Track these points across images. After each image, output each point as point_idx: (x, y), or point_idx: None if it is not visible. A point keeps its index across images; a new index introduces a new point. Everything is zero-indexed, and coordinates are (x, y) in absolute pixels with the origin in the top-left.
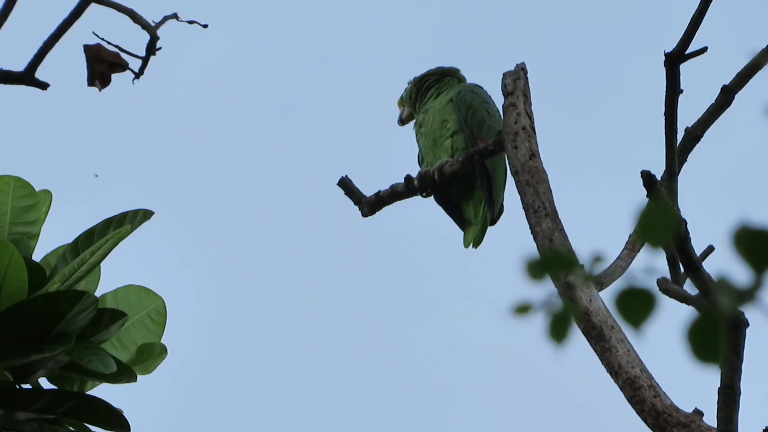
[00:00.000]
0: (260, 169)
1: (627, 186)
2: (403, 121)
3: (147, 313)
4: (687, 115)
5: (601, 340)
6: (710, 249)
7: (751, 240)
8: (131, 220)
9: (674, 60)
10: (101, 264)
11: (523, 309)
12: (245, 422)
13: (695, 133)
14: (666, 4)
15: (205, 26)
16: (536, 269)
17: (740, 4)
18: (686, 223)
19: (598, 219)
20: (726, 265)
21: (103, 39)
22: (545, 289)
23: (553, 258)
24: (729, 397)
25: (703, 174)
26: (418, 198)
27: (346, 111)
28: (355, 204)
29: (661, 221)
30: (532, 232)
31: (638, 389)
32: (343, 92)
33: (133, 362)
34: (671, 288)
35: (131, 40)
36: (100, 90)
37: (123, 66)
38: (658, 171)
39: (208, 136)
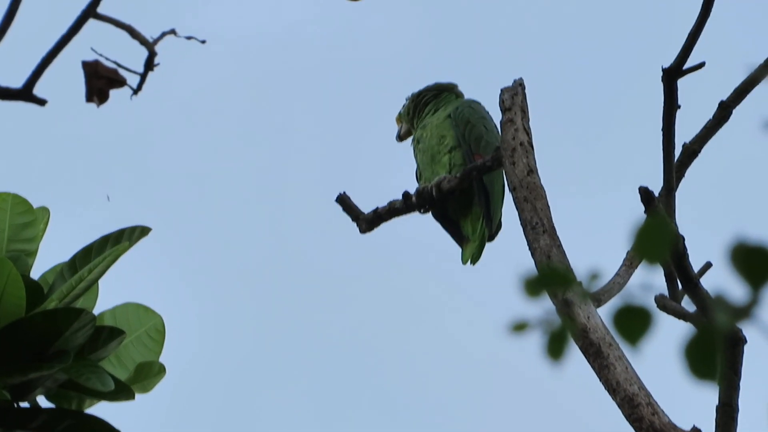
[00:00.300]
0: (258, 185)
1: (625, 202)
2: (401, 138)
3: (145, 330)
4: (685, 131)
5: (599, 357)
6: (708, 265)
7: (748, 256)
8: (129, 236)
9: (672, 75)
10: (99, 281)
11: (520, 326)
12: None
13: (693, 149)
14: (663, 19)
15: (203, 42)
16: (534, 286)
17: (737, 19)
18: (684, 240)
19: (596, 235)
20: (724, 281)
21: (101, 55)
22: (543, 306)
23: (550, 274)
24: (727, 414)
25: (701, 190)
26: (416, 214)
27: (344, 127)
28: (353, 220)
29: (658, 237)
30: (529, 249)
31: (636, 407)
32: (341, 109)
33: (132, 380)
34: (669, 305)
35: (129, 55)
36: (98, 106)
37: (121, 82)
38: (656, 186)
39: (206, 151)
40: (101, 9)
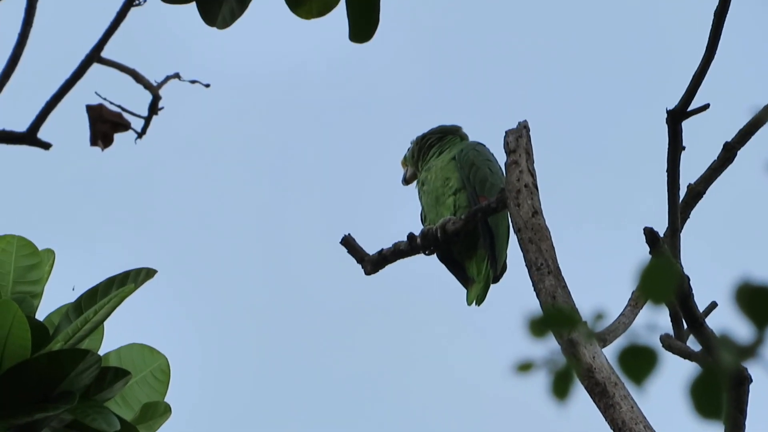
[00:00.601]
0: (263, 226)
1: (630, 242)
2: (407, 181)
3: (150, 371)
4: (689, 172)
5: (604, 397)
6: (713, 305)
7: (752, 296)
8: (134, 278)
9: (676, 117)
10: (104, 322)
11: (525, 366)
12: None
13: (698, 190)
14: (668, 60)
15: (207, 86)
16: (539, 326)
17: (742, 61)
18: (689, 280)
19: (601, 275)
20: (729, 321)
21: (105, 99)
22: (548, 346)
23: (555, 314)
24: None
25: (706, 230)
26: (421, 256)
27: (348, 169)
28: (358, 262)
29: (663, 277)
30: (535, 290)
31: None
32: (345, 149)
33: (137, 421)
34: (674, 344)
35: (134, 99)
36: (102, 150)
37: (125, 126)
38: (661, 227)
39: (211, 192)
40: (105, 53)
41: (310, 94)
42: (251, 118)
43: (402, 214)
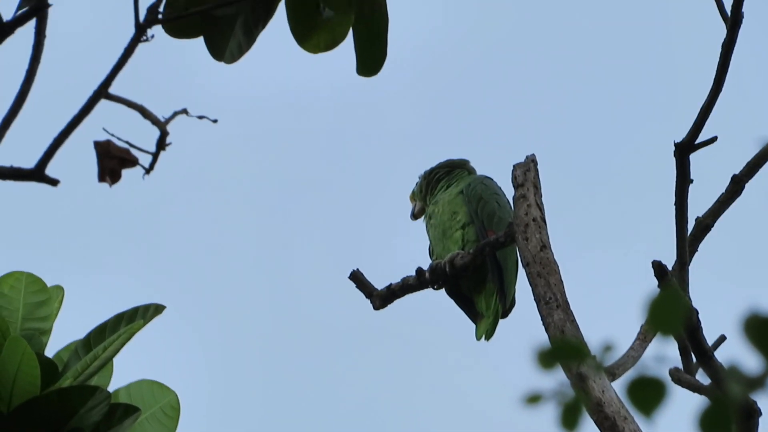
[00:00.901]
0: (271, 262)
1: (638, 276)
2: (415, 216)
3: (160, 407)
4: (697, 204)
5: (614, 431)
6: (722, 338)
7: (761, 328)
8: (143, 314)
9: (684, 150)
10: (113, 358)
11: (534, 399)
12: None
13: (706, 223)
14: (675, 93)
15: (215, 121)
16: (548, 359)
17: (750, 93)
18: (698, 313)
19: (610, 309)
20: (738, 354)
21: (113, 135)
22: (557, 379)
23: (564, 348)
24: None
25: (714, 264)
26: (429, 291)
27: (356, 203)
28: (366, 297)
29: (672, 311)
30: (543, 324)
31: None
32: (353, 185)
33: None
34: (683, 377)
35: (141, 135)
36: (110, 186)
37: (133, 162)
38: (669, 260)
39: (218, 226)
40: (113, 88)
41: (317, 126)
42: (258, 149)
43: (410, 248)
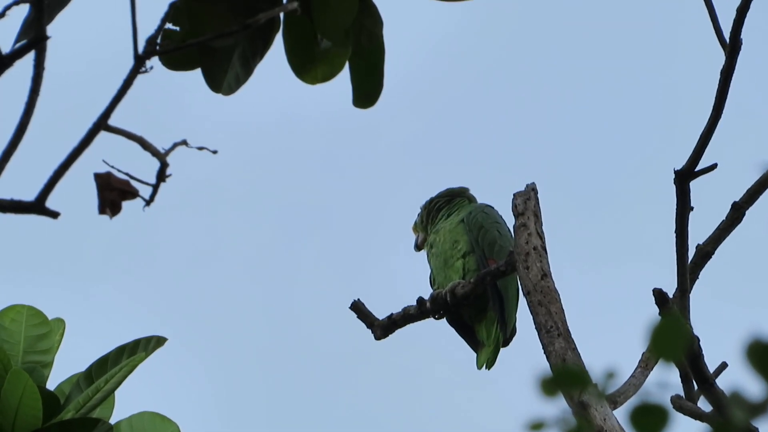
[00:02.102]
0: (272, 293)
1: (639, 303)
2: (418, 247)
3: None
4: (698, 232)
5: None
6: (723, 366)
7: (763, 354)
8: (145, 347)
9: (684, 177)
10: (115, 391)
11: (536, 427)
12: None
13: (706, 250)
14: (675, 119)
15: (215, 152)
16: (550, 386)
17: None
18: (699, 341)
19: (611, 336)
20: (739, 382)
21: (113, 167)
22: (559, 408)
23: (566, 375)
24: None
25: (715, 290)
26: (430, 320)
27: (358, 233)
28: (368, 327)
29: (673, 338)
30: (545, 352)
31: None
32: (353, 215)
33: None
34: (685, 405)
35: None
36: (111, 218)
37: (133, 193)
38: (671, 288)
39: (219, 257)
40: (112, 120)
41: (317, 154)
42: (258, 178)
43: (411, 277)
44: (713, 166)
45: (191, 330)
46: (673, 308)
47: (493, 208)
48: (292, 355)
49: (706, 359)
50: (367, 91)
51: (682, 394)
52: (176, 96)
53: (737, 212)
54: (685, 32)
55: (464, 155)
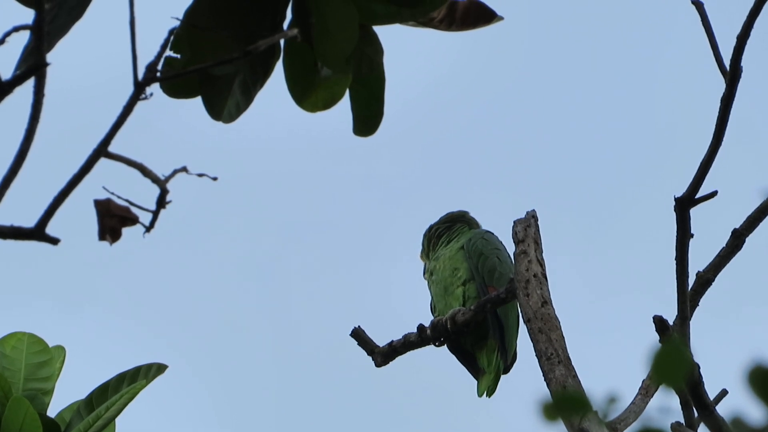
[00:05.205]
0: (272, 320)
1: (640, 330)
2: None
3: None
4: (698, 259)
5: None
6: (724, 393)
7: (765, 379)
8: (145, 374)
9: (684, 205)
10: (116, 418)
11: None
12: None
13: (707, 277)
14: (676, 145)
15: (215, 179)
16: (551, 412)
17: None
18: (699, 367)
19: (612, 363)
20: (740, 408)
21: (113, 193)
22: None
23: (567, 401)
24: None
25: (715, 318)
26: (431, 347)
27: (358, 260)
28: (368, 354)
29: (674, 365)
30: (545, 380)
31: None
32: (354, 242)
33: None
34: None
35: (141, 193)
36: (111, 244)
37: (133, 220)
38: (671, 315)
39: (219, 285)
40: (112, 147)
41: (316, 181)
42: (257, 205)
43: (411, 304)
44: (713, 194)
45: (192, 355)
46: (673, 335)
47: (493, 234)
48: (293, 381)
49: (706, 386)
50: (367, 120)
51: (683, 420)
52: (177, 123)
53: (737, 239)
54: (685, 60)
55: (465, 182)
